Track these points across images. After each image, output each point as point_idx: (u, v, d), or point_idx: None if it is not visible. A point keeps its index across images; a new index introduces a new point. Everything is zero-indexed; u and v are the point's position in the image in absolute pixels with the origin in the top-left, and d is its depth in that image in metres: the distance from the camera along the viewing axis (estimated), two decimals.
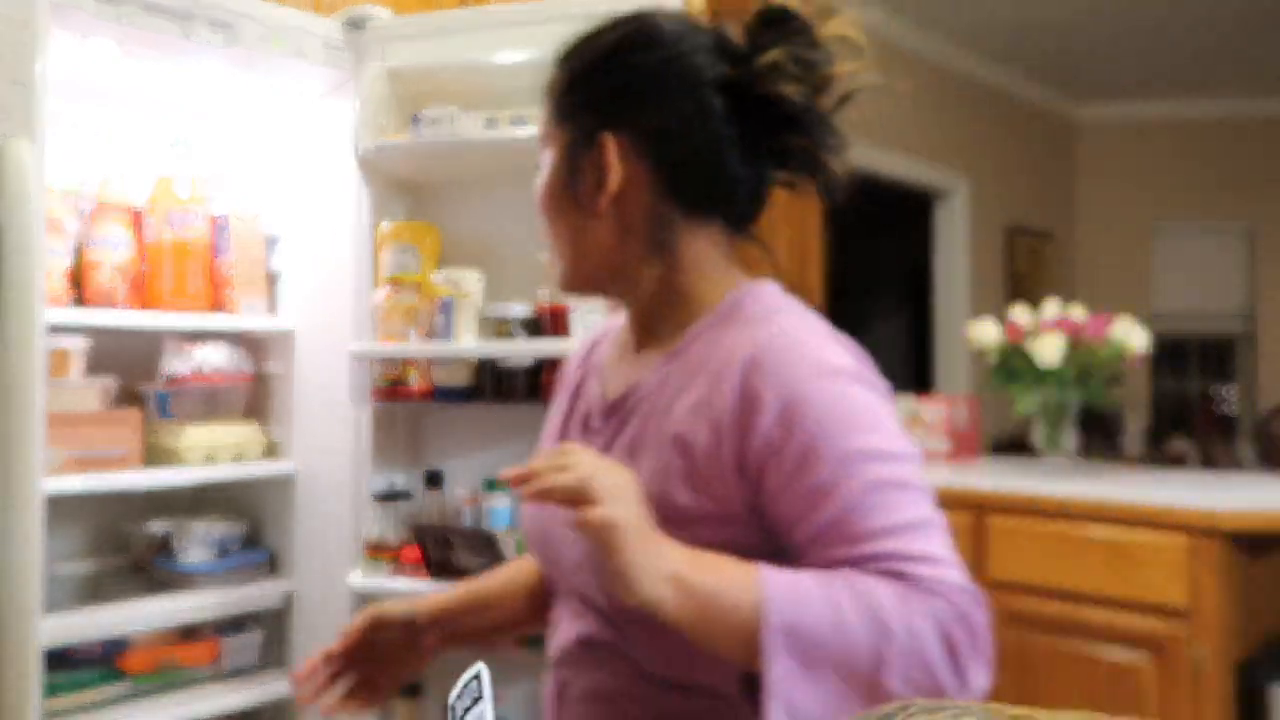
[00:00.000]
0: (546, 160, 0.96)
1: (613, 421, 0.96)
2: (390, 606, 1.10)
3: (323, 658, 1.09)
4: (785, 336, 0.87)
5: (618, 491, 0.78)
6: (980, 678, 0.81)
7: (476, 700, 1.11)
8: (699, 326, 0.93)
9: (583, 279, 0.97)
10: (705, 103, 0.91)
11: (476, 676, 1.14)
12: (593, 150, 0.92)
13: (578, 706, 0.96)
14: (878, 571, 0.78)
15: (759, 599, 0.77)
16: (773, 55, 0.89)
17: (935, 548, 0.80)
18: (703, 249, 0.94)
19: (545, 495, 0.78)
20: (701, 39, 0.93)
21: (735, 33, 0.94)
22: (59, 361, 1.74)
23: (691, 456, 0.86)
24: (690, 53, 0.92)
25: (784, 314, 0.90)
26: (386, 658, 1.09)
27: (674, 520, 0.83)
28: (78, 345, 1.79)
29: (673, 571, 0.78)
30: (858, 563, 0.79)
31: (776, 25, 0.92)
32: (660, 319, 0.96)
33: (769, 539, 0.85)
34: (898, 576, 0.78)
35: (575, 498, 0.77)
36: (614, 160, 0.91)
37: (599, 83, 0.94)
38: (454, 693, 1.12)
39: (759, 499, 0.84)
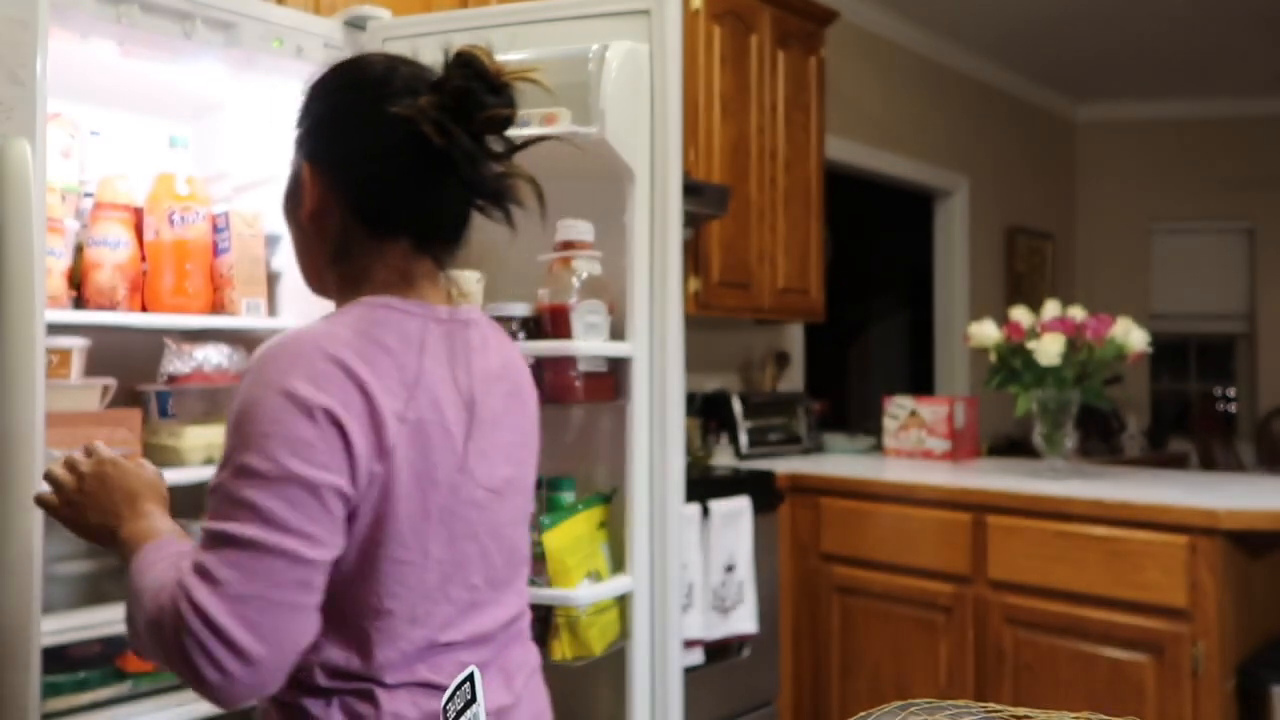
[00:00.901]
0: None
1: None
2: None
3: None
4: (273, 348, 0.97)
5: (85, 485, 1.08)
6: (211, 674, 0.88)
7: (469, 703, 1.11)
8: None
9: (305, 277, 1.13)
10: (385, 138, 1.02)
11: (469, 679, 1.14)
12: (300, 176, 1.08)
13: None
14: (188, 562, 0.92)
15: (133, 557, 1.00)
16: (425, 101, 1.00)
17: (212, 563, 0.89)
18: (382, 262, 1.06)
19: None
20: (399, 82, 1.04)
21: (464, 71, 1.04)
22: (59, 361, 1.74)
23: None
24: (378, 94, 1.03)
25: (313, 327, 0.99)
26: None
27: None
28: (78, 345, 1.79)
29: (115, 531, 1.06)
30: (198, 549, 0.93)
31: (462, 69, 1.02)
32: None
33: None
34: (181, 572, 0.91)
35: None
36: (310, 186, 1.06)
37: (305, 119, 1.10)
38: (446, 695, 1.12)
39: None
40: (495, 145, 1.05)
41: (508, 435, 1.11)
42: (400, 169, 1.03)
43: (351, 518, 0.94)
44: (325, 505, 0.91)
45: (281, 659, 0.90)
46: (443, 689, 1.00)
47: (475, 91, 1.01)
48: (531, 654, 1.16)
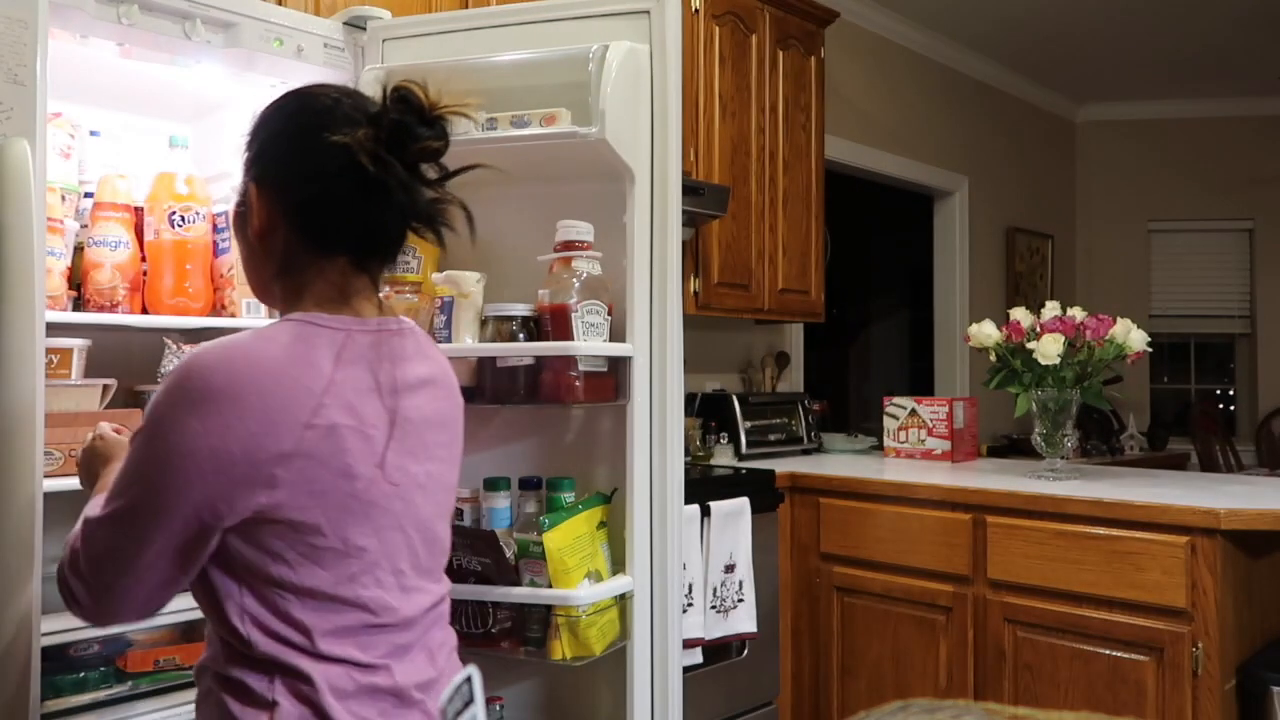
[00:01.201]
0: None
1: None
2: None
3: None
4: (189, 356, 1.07)
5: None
6: (79, 592, 1.08)
7: (468, 704, 1.11)
8: None
9: (252, 288, 1.23)
10: (326, 164, 1.11)
11: (467, 680, 1.15)
12: (248, 197, 1.17)
13: None
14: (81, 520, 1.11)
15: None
16: (362, 133, 1.10)
17: (94, 511, 1.08)
18: (322, 277, 1.15)
19: None
20: (341, 113, 1.13)
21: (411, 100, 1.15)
22: (59, 361, 1.74)
23: None
24: (321, 124, 1.12)
25: (240, 340, 1.08)
26: None
27: None
28: (78, 345, 1.79)
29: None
30: None
31: (399, 104, 1.13)
32: None
33: None
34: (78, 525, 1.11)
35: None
36: (258, 206, 1.16)
37: (253, 144, 1.19)
38: (444, 696, 1.12)
39: None
40: (430, 172, 1.16)
41: (434, 434, 1.19)
42: (340, 193, 1.12)
43: (255, 514, 1.04)
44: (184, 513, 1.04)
45: (112, 615, 1.09)
46: (374, 667, 1.09)
47: (410, 125, 1.12)
48: (450, 635, 1.24)
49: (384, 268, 1.21)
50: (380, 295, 1.21)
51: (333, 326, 1.11)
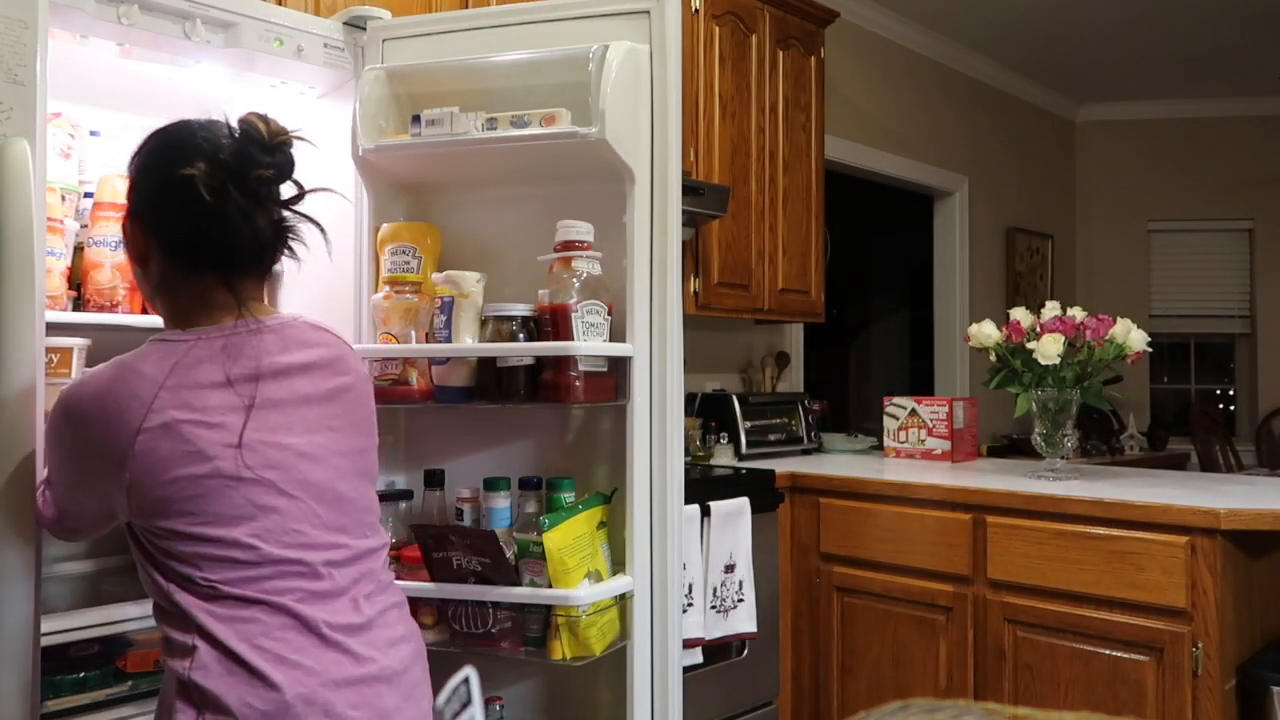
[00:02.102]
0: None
1: None
2: None
3: None
4: (63, 390, 1.29)
5: None
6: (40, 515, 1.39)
7: (465, 705, 1.11)
8: None
9: (147, 305, 1.43)
10: (181, 196, 1.26)
11: (465, 681, 1.15)
12: (126, 228, 1.35)
13: None
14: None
15: None
16: (202, 166, 1.25)
17: (51, 475, 1.34)
18: (192, 293, 1.32)
19: None
20: (193, 147, 1.28)
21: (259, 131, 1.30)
22: (59, 361, 1.74)
23: None
24: (174, 159, 1.28)
25: (97, 369, 1.28)
26: None
27: None
28: (78, 345, 1.79)
29: None
30: None
31: (241, 136, 1.29)
32: None
33: None
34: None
35: None
36: (135, 235, 1.33)
37: (129, 177, 1.35)
38: (442, 697, 1.12)
39: None
40: (279, 194, 1.32)
41: (315, 409, 1.33)
42: (194, 220, 1.27)
43: (132, 499, 1.24)
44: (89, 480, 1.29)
45: (62, 534, 1.38)
46: (284, 610, 1.22)
47: (250, 154, 1.27)
48: (391, 594, 1.37)
49: (255, 281, 1.35)
50: (257, 301, 1.36)
51: (178, 339, 1.28)
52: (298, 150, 1.36)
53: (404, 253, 1.97)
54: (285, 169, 1.32)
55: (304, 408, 1.32)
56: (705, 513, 2.67)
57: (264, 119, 1.30)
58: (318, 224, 1.36)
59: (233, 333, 1.30)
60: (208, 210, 1.26)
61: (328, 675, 1.22)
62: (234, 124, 1.30)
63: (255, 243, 1.31)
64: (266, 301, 1.39)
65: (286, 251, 1.35)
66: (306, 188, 1.36)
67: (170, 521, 1.22)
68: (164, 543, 1.23)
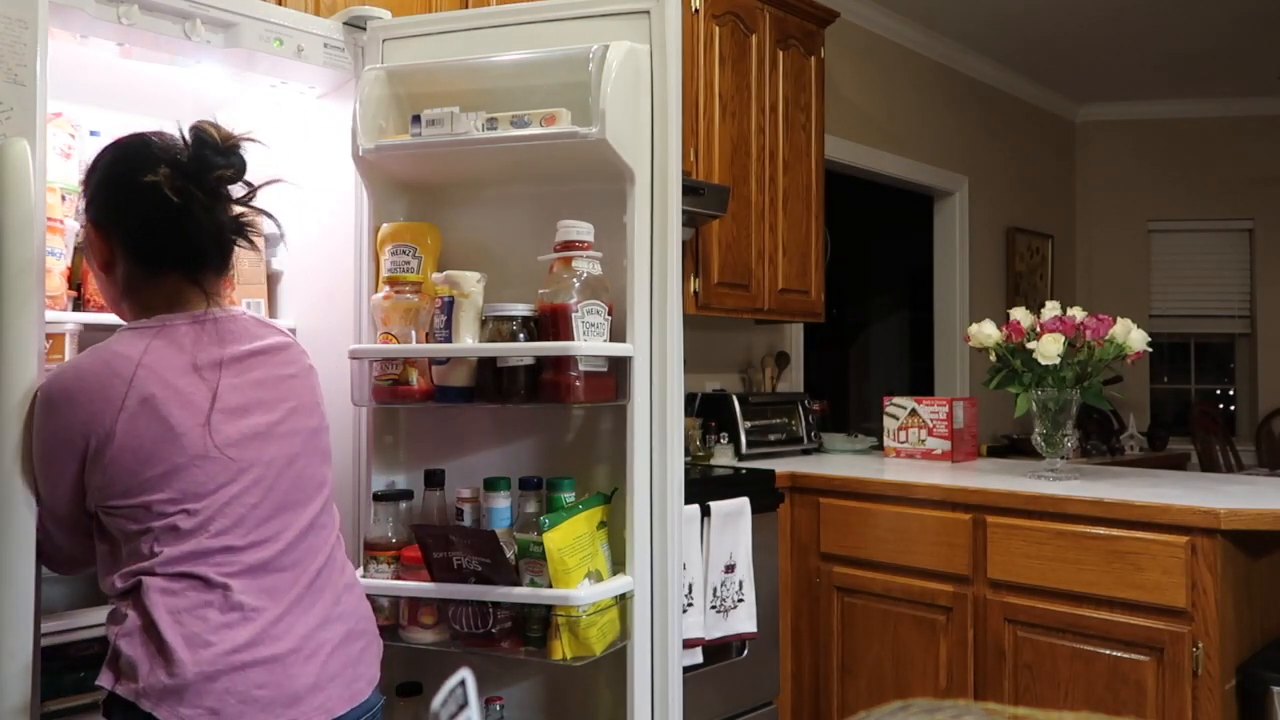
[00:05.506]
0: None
1: None
2: None
3: None
4: (45, 379, 1.36)
5: None
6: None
7: (462, 707, 1.11)
8: None
9: (108, 308, 1.49)
10: (144, 200, 1.35)
11: (461, 683, 1.14)
12: (89, 236, 1.43)
13: None
14: None
15: None
16: (164, 171, 1.34)
17: (43, 491, 1.38)
18: (158, 291, 1.40)
19: None
20: (151, 155, 1.37)
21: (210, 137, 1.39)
22: (51, 346, 1.74)
23: None
24: (134, 167, 1.37)
25: (77, 357, 1.35)
26: None
27: None
28: (69, 330, 1.79)
29: None
30: None
31: (195, 143, 1.39)
32: None
33: None
34: None
35: None
36: (98, 242, 1.41)
37: (85, 191, 1.44)
38: (438, 700, 1.12)
39: None
40: (236, 192, 1.42)
41: (270, 391, 1.41)
42: (158, 222, 1.36)
43: (106, 476, 1.29)
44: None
45: (58, 560, 1.44)
46: (215, 585, 1.28)
47: (206, 157, 1.37)
48: (341, 573, 1.44)
49: (217, 275, 1.44)
50: (219, 294, 1.44)
51: (146, 325, 1.36)
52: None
53: (404, 253, 1.97)
54: (241, 169, 1.42)
55: (259, 389, 1.40)
56: (705, 513, 2.67)
57: (214, 125, 1.40)
58: (272, 216, 1.48)
59: (197, 320, 1.39)
60: (173, 212, 1.35)
61: (238, 656, 1.26)
62: (185, 132, 1.39)
63: (219, 239, 1.41)
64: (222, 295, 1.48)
65: (245, 244, 1.46)
66: (269, 184, 1.46)
67: (133, 498, 1.28)
68: (118, 520, 1.30)
